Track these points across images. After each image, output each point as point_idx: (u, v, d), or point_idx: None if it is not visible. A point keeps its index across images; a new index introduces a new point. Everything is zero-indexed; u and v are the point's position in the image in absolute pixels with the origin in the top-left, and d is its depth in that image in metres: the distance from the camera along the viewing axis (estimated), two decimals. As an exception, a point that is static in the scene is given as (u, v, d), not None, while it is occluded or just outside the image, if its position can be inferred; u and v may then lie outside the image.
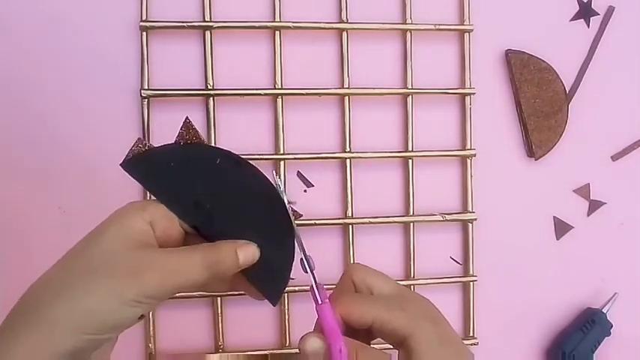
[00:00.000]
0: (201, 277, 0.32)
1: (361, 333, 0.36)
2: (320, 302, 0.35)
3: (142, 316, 0.32)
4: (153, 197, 0.35)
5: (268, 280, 0.35)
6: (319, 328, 0.35)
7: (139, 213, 0.33)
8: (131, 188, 0.54)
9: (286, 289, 0.39)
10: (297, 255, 0.37)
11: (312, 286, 0.36)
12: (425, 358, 0.33)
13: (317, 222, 0.55)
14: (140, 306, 0.31)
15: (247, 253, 0.34)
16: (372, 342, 0.37)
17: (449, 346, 0.35)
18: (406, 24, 0.57)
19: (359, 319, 0.35)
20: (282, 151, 0.55)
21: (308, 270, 0.36)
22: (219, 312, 0.55)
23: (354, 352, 0.33)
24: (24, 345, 0.29)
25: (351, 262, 0.56)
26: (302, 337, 0.35)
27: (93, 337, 0.30)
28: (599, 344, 0.58)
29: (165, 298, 0.32)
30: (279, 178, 0.37)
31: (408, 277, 0.57)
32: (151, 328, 0.54)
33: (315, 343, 0.34)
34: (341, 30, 0.56)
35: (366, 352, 0.34)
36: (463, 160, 0.59)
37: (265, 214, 0.36)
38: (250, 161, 0.55)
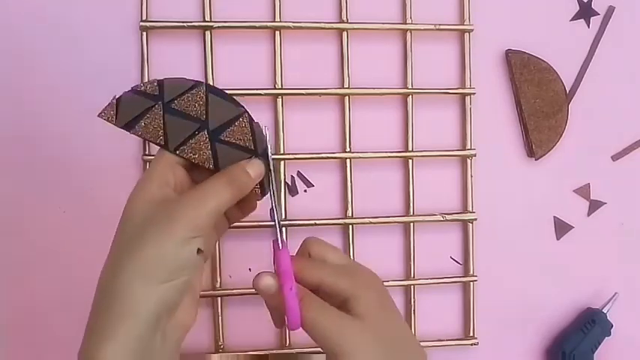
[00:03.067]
0: (227, 197, 0.36)
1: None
2: (280, 248, 0.38)
3: (199, 251, 0.35)
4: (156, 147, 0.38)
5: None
6: (277, 273, 0.38)
7: (149, 181, 0.36)
8: (131, 189, 0.54)
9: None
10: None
11: (275, 230, 0.38)
12: (363, 317, 0.36)
13: (317, 222, 0.55)
14: (192, 241, 0.34)
15: (255, 167, 0.38)
16: None
17: (387, 312, 0.38)
18: (406, 24, 0.57)
19: (308, 278, 0.38)
20: (282, 151, 0.55)
21: (275, 211, 0.39)
22: (219, 312, 0.55)
23: (302, 294, 0.37)
24: (117, 323, 0.33)
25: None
26: (257, 274, 0.37)
27: (168, 284, 0.33)
28: (599, 344, 0.58)
29: (208, 225, 0.35)
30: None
31: (408, 277, 0.57)
32: (151, 328, 0.54)
33: (268, 281, 0.37)
34: (341, 30, 0.56)
35: (313, 298, 0.37)
36: (463, 160, 0.59)
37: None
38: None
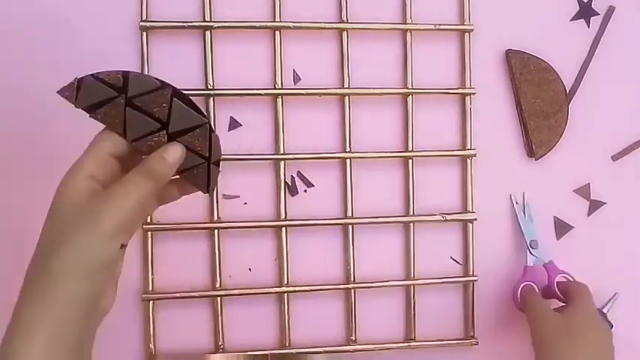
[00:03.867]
0: (149, 187, 0.37)
1: None
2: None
3: (122, 246, 0.37)
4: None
5: (198, 175, 0.40)
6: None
7: (76, 174, 0.37)
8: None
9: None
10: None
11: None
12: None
13: (317, 222, 0.55)
14: (116, 237, 0.36)
15: (173, 153, 0.38)
16: None
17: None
18: (406, 24, 0.57)
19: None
20: (282, 151, 0.55)
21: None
22: (220, 312, 0.55)
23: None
24: (41, 303, 0.35)
25: (351, 262, 0.56)
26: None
27: (91, 279, 0.35)
28: (599, 344, 0.58)
29: (131, 218, 0.36)
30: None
31: (408, 277, 0.57)
32: (152, 328, 0.54)
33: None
34: (341, 30, 0.56)
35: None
36: (463, 160, 0.59)
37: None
38: (251, 161, 0.56)
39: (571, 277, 0.57)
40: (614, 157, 0.61)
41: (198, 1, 0.55)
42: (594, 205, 0.61)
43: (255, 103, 0.56)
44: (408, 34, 0.57)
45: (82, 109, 0.38)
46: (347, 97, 0.56)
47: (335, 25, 0.56)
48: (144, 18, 0.54)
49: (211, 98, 0.54)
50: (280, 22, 0.55)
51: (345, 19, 0.56)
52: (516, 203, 0.59)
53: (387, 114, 0.58)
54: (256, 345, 0.55)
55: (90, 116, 0.38)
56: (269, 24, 0.55)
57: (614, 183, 0.61)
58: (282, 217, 0.55)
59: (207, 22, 0.54)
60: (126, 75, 0.38)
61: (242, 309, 0.55)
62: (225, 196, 0.56)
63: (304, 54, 0.56)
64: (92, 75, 0.38)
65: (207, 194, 0.41)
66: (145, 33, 0.54)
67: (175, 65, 0.55)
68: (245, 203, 0.56)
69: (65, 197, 0.36)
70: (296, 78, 0.57)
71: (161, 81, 0.38)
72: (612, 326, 0.58)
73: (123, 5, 0.54)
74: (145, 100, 0.38)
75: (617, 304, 0.59)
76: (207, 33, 0.54)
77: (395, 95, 0.57)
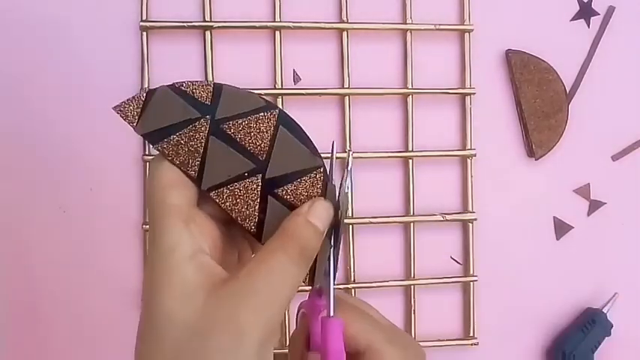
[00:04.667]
0: (301, 273, 0.26)
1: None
2: (332, 314, 0.28)
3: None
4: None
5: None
6: (316, 344, 0.30)
7: (186, 255, 0.24)
8: (131, 189, 0.54)
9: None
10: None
11: (327, 292, 0.30)
12: None
13: (317, 222, 0.55)
14: (267, 349, 0.25)
15: (319, 213, 0.27)
16: None
17: None
18: (406, 24, 0.57)
19: (355, 337, 0.29)
20: (282, 151, 0.55)
21: (331, 273, 0.30)
22: (220, 312, 0.55)
23: None
24: None
25: (352, 262, 0.56)
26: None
27: None
28: (599, 344, 0.58)
29: (282, 320, 0.27)
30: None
31: (408, 277, 0.57)
32: (151, 328, 0.54)
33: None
34: (341, 30, 0.56)
35: None
36: (463, 160, 0.59)
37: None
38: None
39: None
40: (614, 157, 0.61)
41: (198, 1, 0.55)
42: (594, 205, 0.61)
43: (255, 103, 0.56)
44: (408, 34, 0.57)
45: (144, 135, 0.27)
46: (347, 97, 0.56)
47: (335, 25, 0.56)
48: (144, 18, 0.54)
49: (211, 98, 0.54)
50: (280, 22, 0.55)
51: (345, 19, 0.56)
52: None
53: (387, 114, 0.58)
54: (256, 345, 0.55)
55: (154, 147, 0.27)
56: (269, 24, 0.55)
57: (614, 183, 0.61)
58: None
59: (207, 22, 0.54)
60: (219, 87, 0.27)
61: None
62: (225, 196, 0.56)
63: (304, 54, 0.56)
64: (170, 85, 0.27)
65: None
66: (145, 33, 0.54)
67: (175, 65, 0.55)
68: (245, 203, 0.56)
69: (171, 300, 0.23)
70: (296, 78, 0.57)
71: (266, 100, 0.27)
72: (612, 326, 0.58)
73: (123, 5, 0.54)
74: (238, 127, 0.26)
75: (617, 304, 0.59)
76: (207, 33, 0.54)
77: (395, 95, 0.57)
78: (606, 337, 0.58)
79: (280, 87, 0.55)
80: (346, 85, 0.56)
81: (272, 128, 0.26)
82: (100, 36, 0.54)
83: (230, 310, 0.23)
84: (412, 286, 0.57)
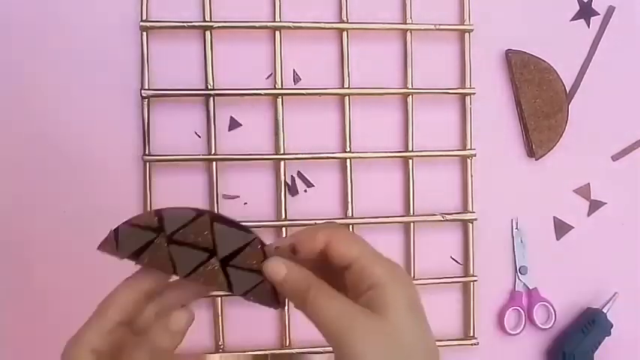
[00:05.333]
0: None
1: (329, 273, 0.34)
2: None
3: None
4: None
5: (263, 293, 0.37)
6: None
7: (78, 350, 0.33)
8: (131, 189, 0.54)
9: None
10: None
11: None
12: (386, 314, 0.31)
13: (317, 222, 0.55)
14: None
15: (178, 320, 0.34)
16: None
17: (415, 316, 0.32)
18: (406, 24, 0.57)
19: (345, 251, 0.33)
20: (282, 151, 0.55)
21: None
22: (220, 312, 0.55)
23: (311, 280, 0.33)
24: None
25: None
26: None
27: None
28: (599, 344, 0.58)
29: None
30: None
31: (408, 277, 0.57)
32: (151, 328, 0.54)
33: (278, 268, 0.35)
34: (341, 30, 0.56)
35: (323, 284, 0.33)
36: (463, 160, 0.59)
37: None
38: (251, 161, 0.56)
39: (551, 305, 0.59)
40: (614, 157, 0.61)
41: (198, 1, 0.55)
42: (594, 205, 0.61)
43: (255, 103, 0.56)
44: (408, 34, 0.57)
45: (127, 257, 0.36)
46: (347, 97, 0.56)
47: (335, 25, 0.56)
48: (144, 18, 0.54)
49: (211, 98, 0.54)
50: (280, 22, 0.55)
51: (345, 19, 0.56)
52: (516, 229, 0.59)
53: (387, 114, 0.58)
54: (256, 345, 0.55)
55: (136, 263, 0.36)
56: (269, 24, 0.55)
57: (614, 183, 0.61)
58: (282, 217, 0.55)
59: (207, 22, 0.54)
60: (159, 213, 0.36)
61: (242, 309, 0.55)
62: (225, 196, 0.56)
63: (304, 54, 0.56)
64: (125, 222, 0.36)
65: (277, 309, 0.38)
66: (145, 33, 0.54)
67: (175, 65, 0.55)
68: (245, 203, 0.56)
69: None
70: (296, 78, 0.57)
71: (196, 209, 0.36)
72: (612, 326, 0.58)
73: (123, 5, 0.54)
74: (185, 233, 0.36)
75: (617, 304, 0.59)
76: (207, 33, 0.54)
77: (395, 95, 0.57)
78: (606, 337, 0.58)
79: (280, 87, 0.55)
80: (346, 85, 0.56)
81: (209, 225, 0.36)
82: (100, 36, 0.54)
83: None
84: (412, 286, 0.57)
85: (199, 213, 0.36)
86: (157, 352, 0.34)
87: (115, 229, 0.37)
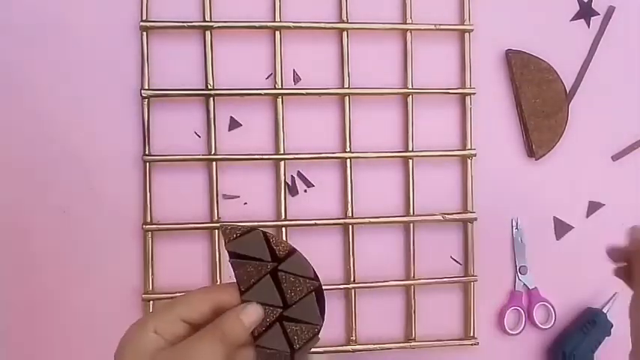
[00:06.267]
0: (218, 351, 0.34)
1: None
2: None
3: None
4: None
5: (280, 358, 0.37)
6: None
7: (142, 329, 0.35)
8: (131, 189, 0.54)
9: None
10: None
11: None
12: None
13: (317, 222, 0.55)
14: None
15: (250, 314, 0.35)
16: None
17: None
18: (406, 24, 0.57)
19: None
20: (282, 151, 0.55)
21: None
22: (220, 312, 0.55)
23: None
24: None
25: (351, 262, 0.56)
26: None
27: None
28: (599, 344, 0.58)
29: None
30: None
31: (408, 277, 0.57)
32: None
33: None
34: (341, 30, 0.56)
35: None
36: (463, 160, 0.59)
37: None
38: (251, 161, 0.56)
39: (551, 305, 0.59)
40: (614, 157, 0.61)
41: (198, 1, 0.55)
42: (594, 206, 0.61)
43: (255, 103, 0.56)
44: (408, 34, 0.57)
45: (229, 252, 0.37)
46: (347, 97, 0.56)
47: (335, 25, 0.56)
48: (144, 18, 0.54)
49: (211, 98, 0.54)
50: (280, 22, 0.55)
51: (345, 19, 0.56)
52: (516, 229, 0.59)
53: (387, 114, 0.58)
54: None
55: (229, 260, 0.37)
56: (269, 24, 0.55)
57: (614, 183, 0.61)
58: (282, 217, 0.55)
59: (207, 22, 0.54)
60: (293, 250, 0.37)
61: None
62: (225, 196, 0.56)
63: (304, 54, 0.56)
64: (262, 231, 0.37)
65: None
66: (145, 33, 0.54)
67: (175, 65, 0.55)
68: (245, 203, 0.56)
69: (128, 352, 0.35)
70: (296, 78, 0.57)
71: (315, 274, 0.37)
72: (612, 326, 0.58)
73: (123, 5, 0.54)
74: (288, 279, 0.37)
75: (617, 304, 0.59)
76: (207, 33, 0.54)
77: (395, 95, 0.57)
78: (606, 337, 0.58)
79: (280, 87, 0.55)
80: (346, 85, 0.56)
81: (306, 292, 0.37)
82: (100, 36, 0.54)
83: None
84: (412, 286, 0.57)
85: (315, 278, 0.37)
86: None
87: (253, 227, 0.37)
